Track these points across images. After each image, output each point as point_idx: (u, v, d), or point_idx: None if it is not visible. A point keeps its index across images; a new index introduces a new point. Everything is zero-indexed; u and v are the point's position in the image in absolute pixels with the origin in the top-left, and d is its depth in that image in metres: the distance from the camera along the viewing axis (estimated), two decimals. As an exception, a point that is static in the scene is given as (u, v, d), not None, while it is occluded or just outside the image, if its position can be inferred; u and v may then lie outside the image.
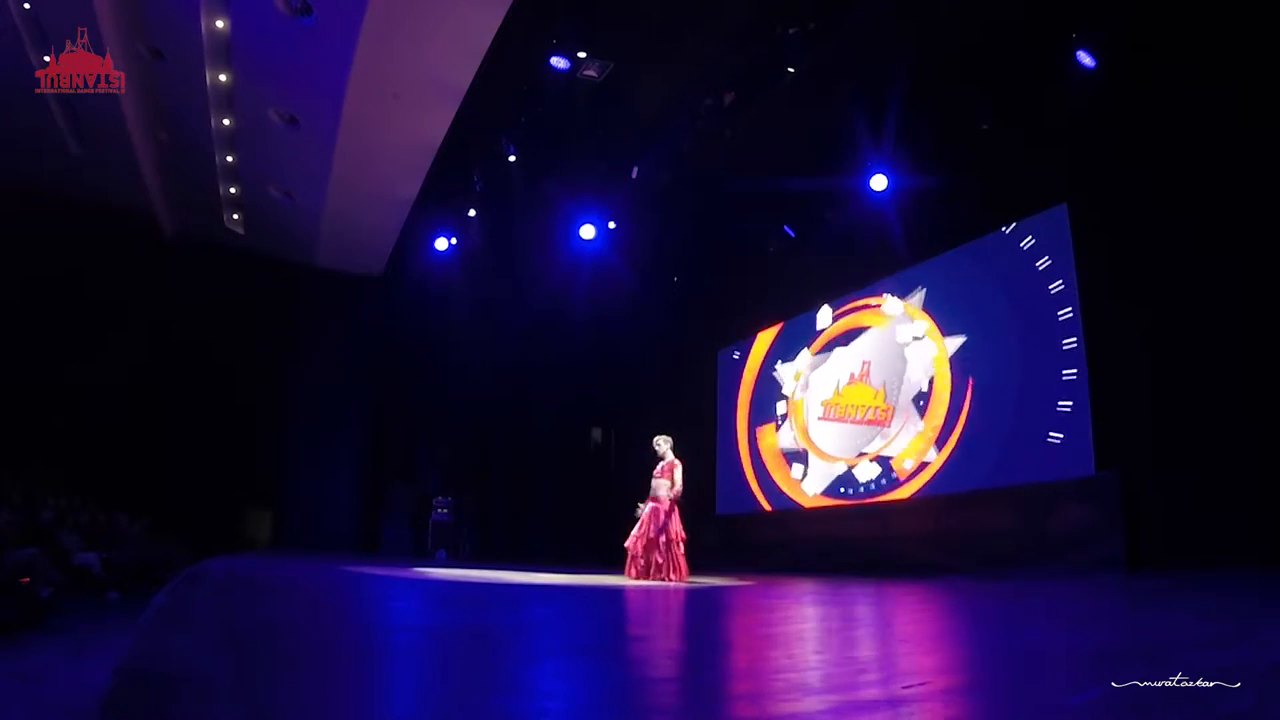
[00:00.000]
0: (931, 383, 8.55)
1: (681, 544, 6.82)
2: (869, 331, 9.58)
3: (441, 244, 12.71)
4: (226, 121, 10.15)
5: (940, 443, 8.35)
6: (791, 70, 8.18)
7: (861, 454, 9.28)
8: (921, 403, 8.62)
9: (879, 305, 9.51)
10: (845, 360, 9.82)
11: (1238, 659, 1.96)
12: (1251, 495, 5.60)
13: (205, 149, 10.65)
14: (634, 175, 10.43)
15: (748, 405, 11.44)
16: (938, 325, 8.65)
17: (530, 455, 14.37)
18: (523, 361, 14.06)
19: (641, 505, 7.02)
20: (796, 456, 10.30)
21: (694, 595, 5.26)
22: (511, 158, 10.40)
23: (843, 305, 10.06)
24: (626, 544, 6.96)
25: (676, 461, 7.03)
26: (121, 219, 12.00)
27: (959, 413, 8.20)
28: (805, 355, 10.53)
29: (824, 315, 10.35)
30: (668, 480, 6.95)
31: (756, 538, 10.68)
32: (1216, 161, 6.00)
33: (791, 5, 7.88)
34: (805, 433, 10.21)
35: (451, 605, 4.23)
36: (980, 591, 5.48)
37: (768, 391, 11.08)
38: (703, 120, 9.36)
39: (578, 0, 7.99)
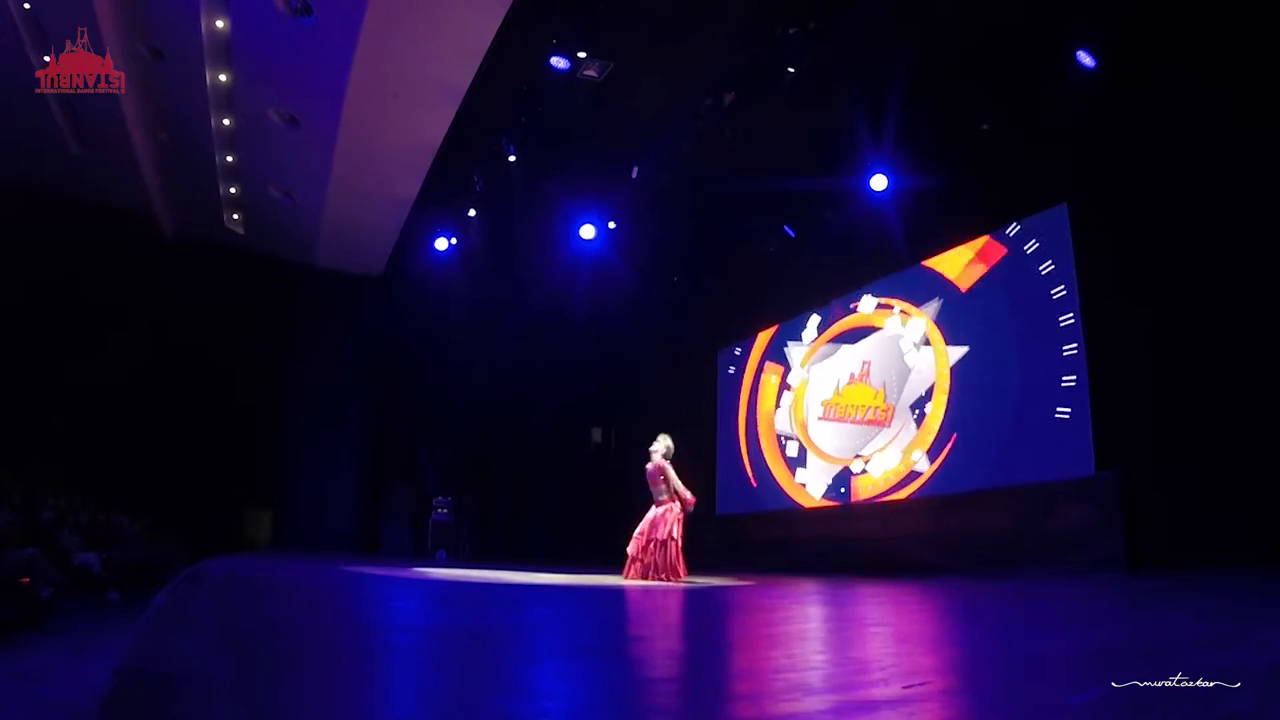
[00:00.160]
0: (930, 390, 8.55)
1: (679, 543, 6.79)
2: (869, 331, 9.58)
3: (441, 244, 12.72)
4: (226, 121, 10.16)
5: (933, 454, 8.35)
6: (791, 70, 8.18)
7: (858, 455, 9.28)
8: (918, 411, 8.62)
9: (879, 306, 9.50)
10: (845, 360, 9.82)
11: (1238, 659, 1.96)
12: (1251, 495, 5.60)
13: (205, 149, 10.65)
14: (634, 175, 10.43)
15: (748, 405, 11.44)
16: (939, 329, 8.64)
17: (530, 455, 14.37)
18: (523, 361, 14.06)
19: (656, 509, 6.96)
20: (796, 458, 10.29)
21: (694, 595, 5.26)
22: (511, 158, 10.40)
23: (842, 305, 10.06)
24: (629, 548, 6.92)
25: (664, 464, 6.97)
26: (121, 219, 12.01)
27: (957, 419, 8.19)
28: (806, 354, 10.53)
29: (824, 314, 10.35)
30: (661, 485, 6.90)
31: (756, 538, 10.68)
32: (1216, 161, 6.00)
33: (791, 5, 7.88)
34: (805, 431, 10.21)
35: (451, 605, 4.23)
36: (980, 591, 5.48)
37: (771, 389, 11.08)
38: (703, 120, 9.36)
39: (578, 0, 7.98)
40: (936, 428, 8.39)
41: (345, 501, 13.82)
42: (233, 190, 11.91)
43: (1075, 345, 7.12)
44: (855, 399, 9.53)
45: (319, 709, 1.51)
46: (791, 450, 10.40)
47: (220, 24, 8.51)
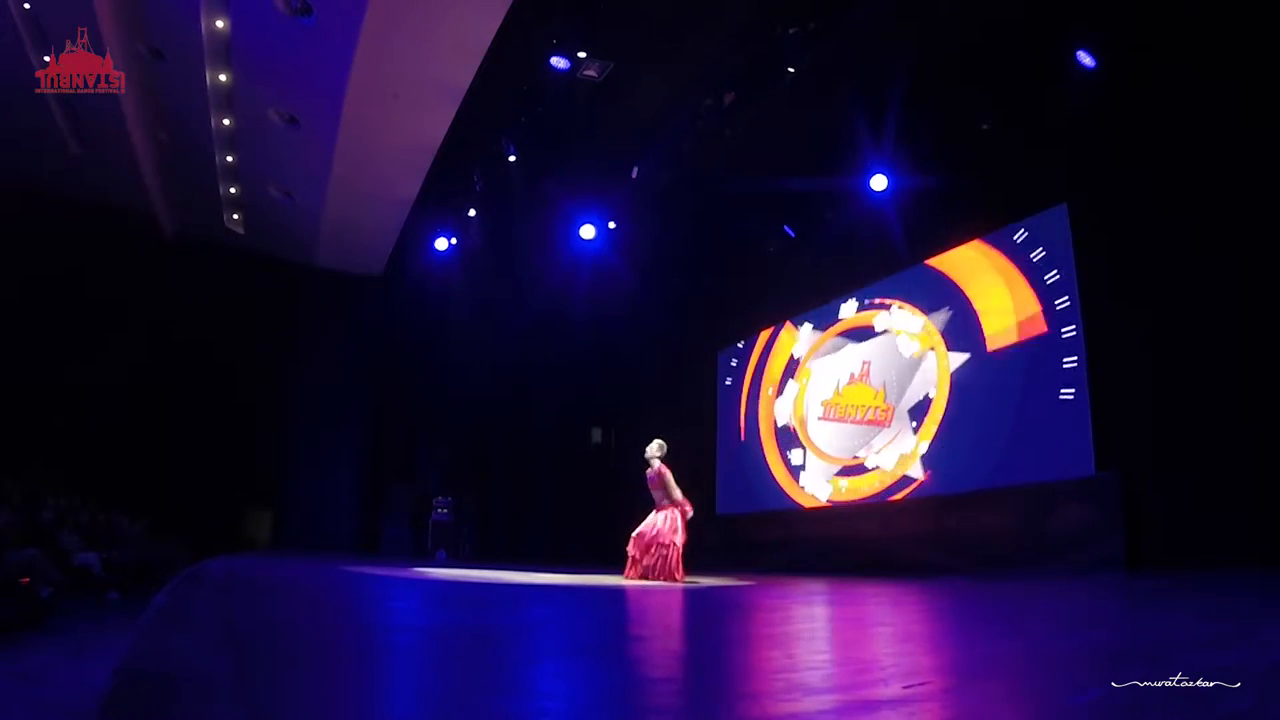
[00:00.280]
0: (930, 390, 8.54)
1: (681, 545, 6.80)
2: (869, 331, 9.57)
3: (441, 244, 12.72)
4: (226, 121, 10.16)
5: (933, 453, 8.35)
6: (791, 70, 8.18)
7: (856, 456, 9.29)
8: (919, 411, 8.62)
9: (879, 306, 9.50)
10: (845, 360, 9.82)
11: (1238, 659, 1.96)
12: (1251, 495, 5.60)
13: (205, 149, 10.65)
14: (634, 175, 10.43)
15: (748, 404, 11.44)
16: (939, 330, 8.64)
17: (530, 455, 14.37)
18: (523, 361, 14.06)
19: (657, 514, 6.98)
20: (797, 456, 10.29)
21: (694, 595, 5.26)
22: (511, 158, 10.39)
23: (843, 305, 10.06)
24: (629, 548, 6.94)
25: (662, 467, 6.98)
26: (121, 219, 12.01)
27: (956, 419, 8.19)
28: (806, 354, 10.53)
29: (824, 314, 10.35)
30: (661, 490, 6.92)
31: (756, 538, 10.68)
32: (1216, 161, 6.00)
33: (791, 5, 7.88)
34: (805, 431, 10.21)
35: (451, 605, 4.23)
36: (980, 591, 5.48)
37: (771, 389, 11.08)
38: (703, 120, 9.36)
39: (578, 0, 7.98)
40: (936, 428, 8.39)
41: (345, 501, 13.82)
42: (233, 190, 11.91)
43: (1075, 346, 7.12)
44: (855, 399, 9.53)
45: (319, 709, 1.51)
46: (791, 450, 10.40)
47: (220, 24, 8.51)
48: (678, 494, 6.89)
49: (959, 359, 8.31)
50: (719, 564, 9.94)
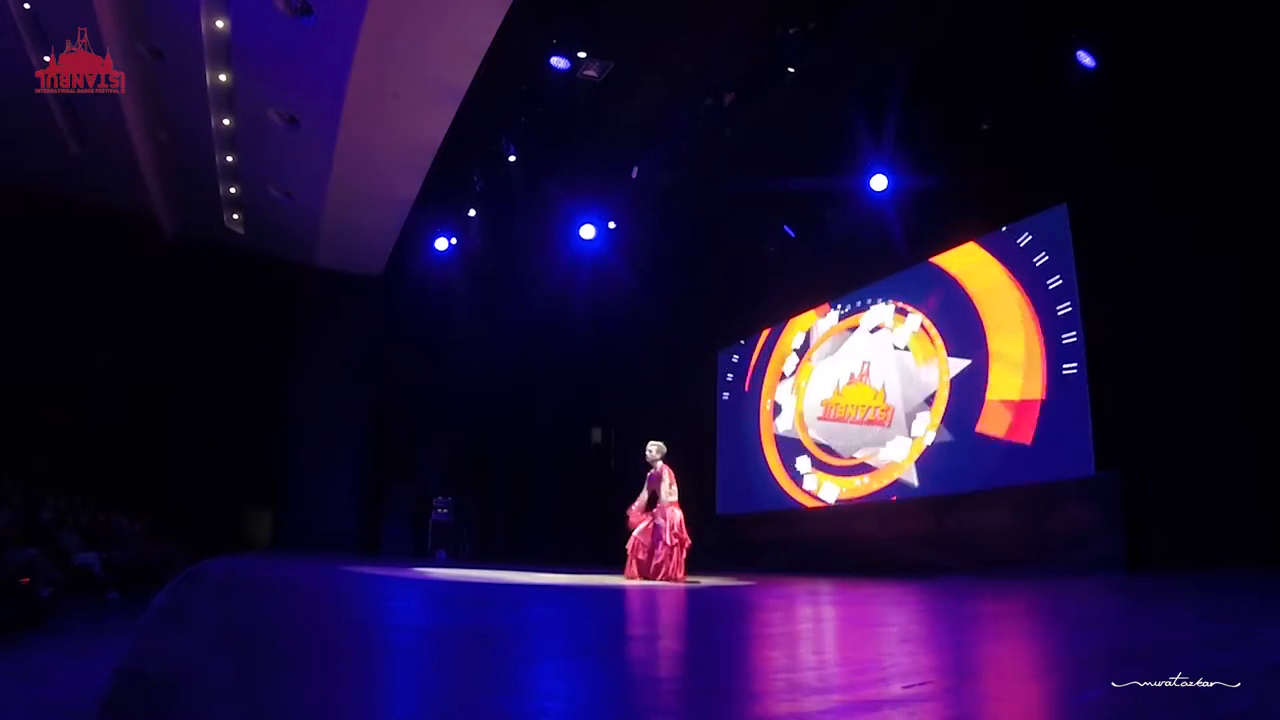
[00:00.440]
0: (931, 388, 8.54)
1: (684, 547, 6.81)
2: (869, 331, 9.57)
3: (441, 244, 12.72)
4: (226, 121, 10.15)
5: (933, 452, 8.35)
6: (791, 70, 8.18)
7: (856, 456, 9.29)
8: (918, 411, 8.62)
9: (880, 307, 9.50)
10: (846, 360, 9.81)
11: (1238, 659, 1.96)
12: (1251, 495, 5.60)
13: (205, 149, 10.65)
14: (634, 175, 10.43)
15: (748, 404, 11.44)
16: (939, 330, 8.64)
17: (530, 455, 14.37)
18: (523, 361, 14.06)
19: (632, 511, 7.02)
20: (796, 457, 10.29)
21: (694, 595, 5.26)
22: (511, 158, 10.40)
23: (843, 305, 10.06)
24: (628, 546, 6.96)
25: (665, 467, 7.00)
26: (121, 219, 12.01)
27: (956, 419, 8.19)
28: (806, 354, 10.53)
29: (824, 315, 10.35)
30: (660, 487, 6.94)
31: (756, 537, 10.68)
32: (1216, 161, 6.00)
33: (791, 5, 7.88)
34: (805, 431, 10.21)
35: (451, 605, 4.23)
36: (980, 591, 5.48)
37: (771, 389, 11.08)
38: (703, 120, 9.36)
39: (578, 0, 7.98)
40: (936, 428, 8.38)
41: (345, 501, 13.82)
42: (233, 190, 11.91)
43: (1075, 345, 7.11)
44: (855, 399, 9.53)
45: (319, 709, 1.51)
46: (791, 450, 10.40)
47: (220, 24, 8.51)
48: (672, 496, 6.91)
49: (960, 364, 8.30)
50: (719, 564, 9.94)
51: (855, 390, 9.57)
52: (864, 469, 9.20)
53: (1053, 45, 7.06)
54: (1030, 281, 7.67)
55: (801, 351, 10.62)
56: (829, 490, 9.64)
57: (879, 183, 8.82)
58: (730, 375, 11.97)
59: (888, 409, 9.03)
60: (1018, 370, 7.64)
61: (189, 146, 10.78)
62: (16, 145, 10.28)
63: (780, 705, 1.62)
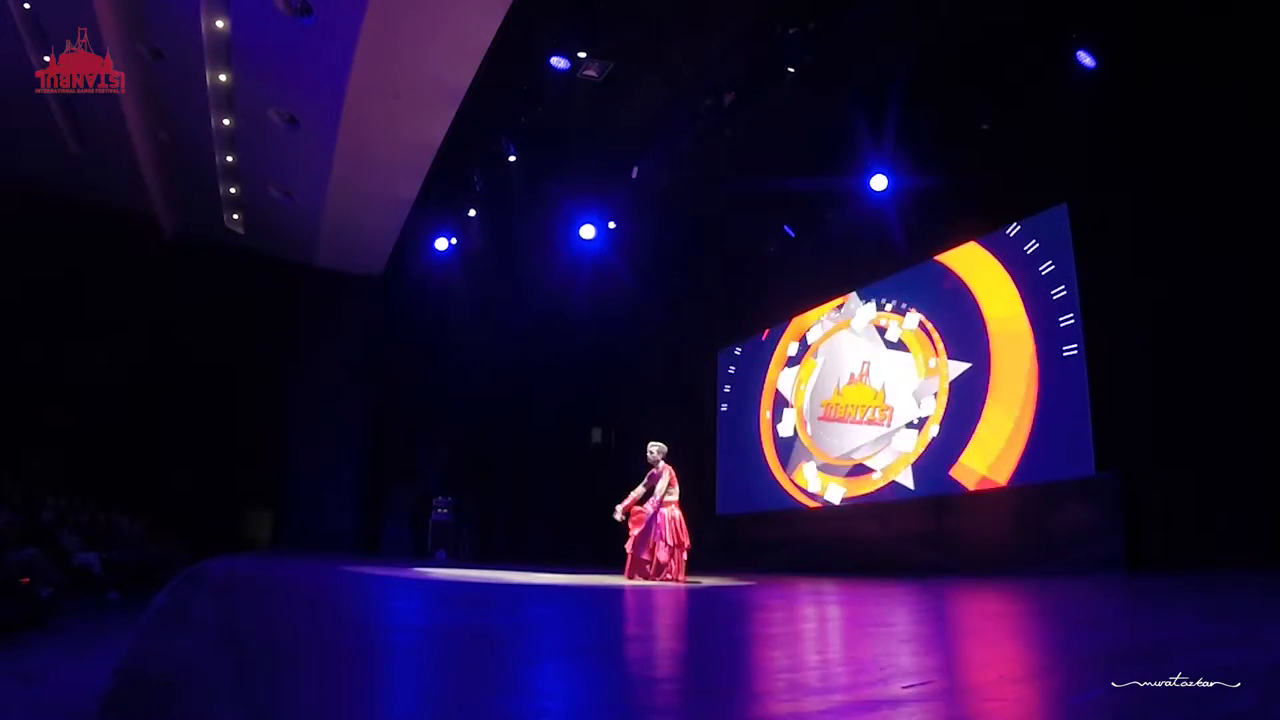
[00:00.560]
0: (931, 388, 8.54)
1: (683, 548, 6.81)
2: (869, 331, 9.57)
3: (441, 244, 12.73)
4: (226, 121, 10.16)
5: (933, 452, 8.35)
6: (791, 70, 8.18)
7: (856, 456, 9.28)
8: (918, 411, 8.62)
9: (880, 307, 9.50)
10: (846, 360, 9.82)
11: (1238, 659, 1.96)
12: (1251, 495, 5.60)
13: (205, 149, 10.65)
14: (634, 175, 10.44)
15: (748, 405, 11.44)
16: (938, 331, 8.64)
17: (530, 455, 14.37)
18: (523, 361, 14.06)
19: (618, 508, 7.03)
20: (797, 456, 10.29)
21: (694, 595, 5.26)
22: (511, 158, 10.40)
23: (843, 305, 10.06)
24: (627, 545, 6.96)
25: (666, 468, 6.99)
26: (121, 219, 12.01)
27: (956, 419, 8.19)
28: (806, 354, 10.53)
29: (824, 315, 10.36)
30: (658, 485, 6.94)
31: (756, 538, 10.68)
32: (1216, 161, 6.00)
33: (791, 5, 7.88)
34: (805, 431, 10.21)
35: (451, 605, 4.23)
36: (980, 591, 5.48)
37: (771, 389, 11.08)
38: (703, 120, 9.37)
39: (578, 0, 7.98)
40: (936, 427, 8.38)
41: (345, 501, 13.82)
42: (233, 190, 11.91)
43: (1075, 346, 7.12)
44: (855, 399, 9.53)
45: (319, 709, 1.51)
46: (791, 450, 10.40)
47: (220, 24, 8.51)
48: (672, 496, 6.92)
49: (960, 365, 8.30)
50: (719, 564, 9.94)
51: (855, 390, 9.57)
52: (864, 469, 9.19)
53: (1053, 45, 7.06)
54: (1030, 281, 7.66)
55: (801, 351, 10.62)
56: (829, 490, 9.64)
57: (879, 183, 8.82)
58: (730, 375, 11.97)
59: (887, 409, 9.03)
60: (1017, 370, 7.64)
61: (189, 146, 10.79)
62: (16, 145, 10.28)
63: (780, 705, 1.62)
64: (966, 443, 8.01)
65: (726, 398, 11.96)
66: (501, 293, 13.64)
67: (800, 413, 10.37)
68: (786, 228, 10.69)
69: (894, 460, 8.80)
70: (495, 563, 11.00)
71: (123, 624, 4.30)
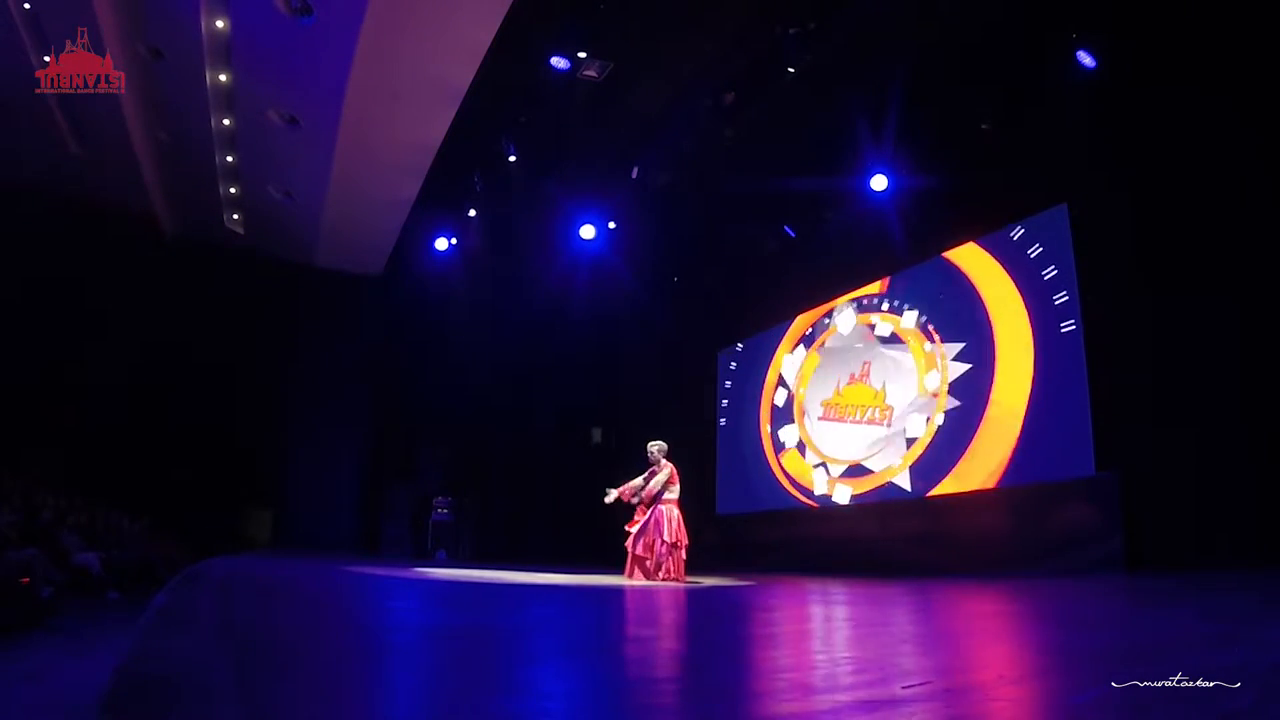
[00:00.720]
0: (930, 388, 8.54)
1: (682, 547, 6.81)
2: (869, 332, 9.57)
3: (441, 244, 12.72)
4: (226, 121, 10.15)
5: (933, 452, 8.35)
6: (791, 70, 8.18)
7: (855, 456, 9.29)
8: (918, 410, 8.62)
9: (880, 307, 9.51)
10: (845, 360, 9.82)
11: (1238, 659, 1.96)
12: (1251, 495, 5.60)
13: (205, 149, 10.65)
14: (634, 175, 10.44)
15: (748, 405, 11.44)
16: (937, 331, 8.64)
17: (530, 455, 14.36)
18: (523, 362, 14.06)
19: (610, 490, 7.03)
20: (796, 457, 10.29)
21: (694, 595, 5.26)
22: (511, 158, 10.39)
23: (843, 305, 10.06)
24: (627, 544, 6.98)
25: (664, 465, 7.00)
26: (121, 219, 12.00)
27: (956, 419, 8.19)
28: (806, 354, 10.53)
29: (824, 315, 10.35)
30: (655, 479, 6.96)
31: (756, 538, 10.68)
32: (1217, 161, 6.00)
33: (791, 5, 7.88)
34: (805, 432, 10.21)
35: (451, 605, 4.23)
36: (979, 591, 5.48)
37: (771, 389, 11.08)
38: (703, 120, 9.36)
39: (578, 0, 7.98)
40: (936, 427, 8.39)
41: (345, 501, 13.82)
42: (233, 190, 11.91)
43: (1075, 345, 7.11)
44: (855, 399, 9.53)
45: (319, 709, 1.51)
46: (791, 450, 10.40)
47: (220, 24, 8.51)
48: (671, 495, 6.93)
49: (960, 365, 8.30)
50: (719, 564, 9.95)
51: (855, 390, 9.57)
52: (863, 469, 9.19)
53: (1053, 45, 7.06)
54: (1030, 281, 7.66)
55: (801, 352, 10.62)
56: (830, 490, 9.64)
57: (879, 183, 8.82)
58: (730, 375, 11.97)
59: (887, 409, 9.03)
60: (1018, 370, 7.64)
61: (189, 146, 10.78)
62: (17, 145, 10.28)
63: (780, 705, 1.62)
64: (967, 443, 8.01)
65: (726, 398, 11.96)
66: (501, 293, 13.64)
67: (800, 413, 10.37)
68: (786, 228, 10.69)
69: (894, 460, 8.80)
70: (495, 563, 11.00)
71: (123, 624, 4.30)
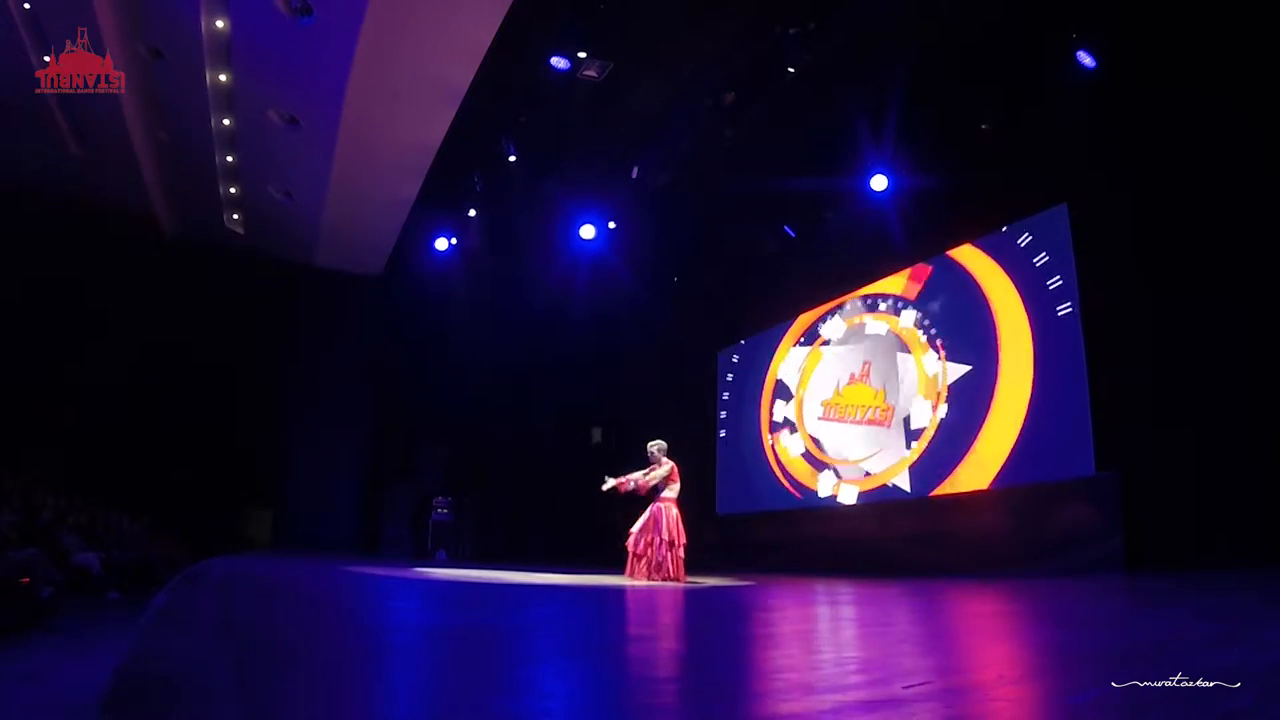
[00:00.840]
0: (930, 388, 8.54)
1: (682, 547, 6.82)
2: (869, 332, 9.58)
3: (441, 244, 12.72)
4: (226, 121, 10.16)
5: (932, 452, 8.35)
6: (791, 70, 8.18)
7: (855, 456, 9.28)
8: (918, 410, 8.62)
9: (879, 307, 9.51)
10: (845, 360, 9.82)
11: (1238, 659, 1.96)
12: (1251, 495, 5.60)
13: (205, 149, 10.65)
14: (634, 175, 10.44)
15: (748, 404, 11.44)
16: (937, 332, 8.64)
17: (530, 455, 14.36)
18: (522, 361, 14.06)
19: (609, 479, 7.05)
20: (796, 458, 10.29)
21: (694, 595, 5.26)
22: (511, 158, 10.40)
23: (843, 305, 10.06)
24: (627, 543, 6.98)
25: (662, 463, 7.01)
26: (121, 219, 12.01)
27: (956, 418, 8.19)
28: (807, 354, 10.53)
29: (824, 315, 10.35)
30: (655, 474, 6.97)
31: (756, 538, 10.68)
32: (1217, 161, 6.00)
33: (791, 5, 7.88)
34: (805, 432, 10.21)
35: (452, 605, 4.23)
36: (980, 591, 5.48)
37: (771, 389, 11.08)
38: (703, 120, 9.36)
39: (578, 0, 7.99)
40: (935, 427, 8.38)
41: (345, 501, 13.82)
42: (233, 190, 11.91)
43: (1075, 345, 7.11)
44: (855, 399, 9.53)
45: (319, 709, 1.51)
46: (791, 450, 10.40)
47: (220, 24, 8.51)
48: (670, 493, 6.94)
49: (960, 365, 8.30)
50: (719, 564, 9.94)
51: (855, 390, 9.56)
52: (863, 470, 9.19)
53: (1053, 45, 7.06)
54: (1029, 281, 7.66)
55: (801, 351, 10.62)
56: (829, 490, 9.64)
57: (879, 183, 8.82)
58: (730, 375, 11.97)
59: (888, 409, 9.03)
60: (1018, 369, 7.64)
61: (189, 146, 10.78)
62: (17, 145, 10.28)
63: (780, 705, 1.62)
64: (967, 443, 8.01)
65: (726, 398, 11.96)
66: (501, 293, 13.64)
67: (800, 413, 10.37)
68: (786, 228, 10.69)
69: (894, 461, 8.80)
70: (495, 563, 11.00)
71: (123, 624, 4.30)
